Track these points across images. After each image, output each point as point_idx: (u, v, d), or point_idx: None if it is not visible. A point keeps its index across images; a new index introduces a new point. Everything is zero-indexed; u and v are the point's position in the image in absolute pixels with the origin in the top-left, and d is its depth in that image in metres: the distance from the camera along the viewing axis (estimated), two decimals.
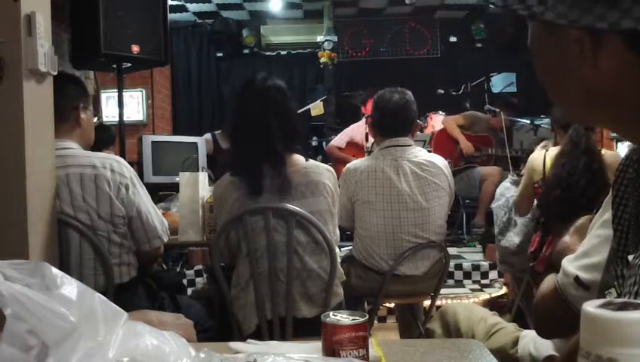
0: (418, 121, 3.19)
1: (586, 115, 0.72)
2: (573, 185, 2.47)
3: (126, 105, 4.98)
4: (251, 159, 2.00)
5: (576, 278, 1.07)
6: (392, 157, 2.64)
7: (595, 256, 1.04)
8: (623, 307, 0.44)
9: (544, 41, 0.68)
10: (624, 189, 0.78)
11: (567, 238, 1.30)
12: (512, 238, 3.58)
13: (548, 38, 0.67)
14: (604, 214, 1.02)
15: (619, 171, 0.80)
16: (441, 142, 5.27)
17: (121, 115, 3.65)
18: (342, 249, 2.80)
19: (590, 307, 0.45)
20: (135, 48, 3.28)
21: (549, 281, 1.19)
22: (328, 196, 2.06)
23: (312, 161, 2.10)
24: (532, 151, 3.92)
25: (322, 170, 2.09)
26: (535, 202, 3.10)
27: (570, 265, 1.10)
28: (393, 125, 2.71)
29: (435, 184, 2.62)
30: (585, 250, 1.08)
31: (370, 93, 4.91)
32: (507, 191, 3.71)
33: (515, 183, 3.70)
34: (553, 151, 2.87)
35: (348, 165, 2.77)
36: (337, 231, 2.22)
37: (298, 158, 2.06)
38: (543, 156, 2.95)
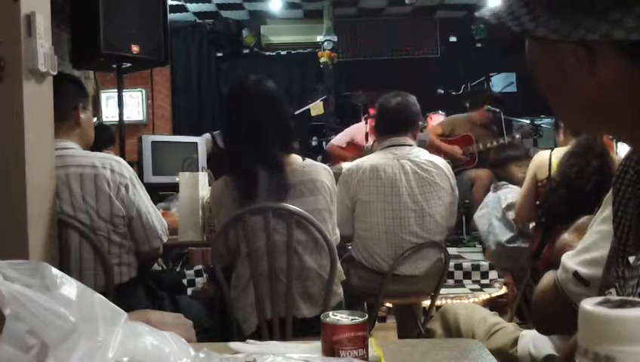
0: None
1: (584, 121, 0.72)
2: (581, 187, 2.46)
3: (126, 105, 4.98)
4: (246, 163, 2.00)
5: (576, 274, 1.07)
6: (393, 156, 2.64)
7: (594, 251, 1.05)
8: (621, 305, 0.45)
9: (541, 54, 0.69)
10: (625, 189, 0.78)
11: (566, 236, 1.31)
12: (490, 241, 3.62)
13: (544, 51, 0.68)
14: (605, 211, 1.02)
15: (619, 171, 0.80)
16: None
17: (121, 115, 3.65)
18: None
19: (588, 305, 0.45)
20: (135, 48, 3.28)
21: (548, 277, 1.19)
22: (326, 194, 2.06)
23: (309, 160, 2.11)
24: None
25: (320, 168, 2.10)
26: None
27: (569, 260, 1.10)
28: (393, 124, 2.72)
29: (436, 184, 2.62)
30: (585, 245, 1.08)
31: (373, 94, 4.92)
32: (491, 202, 3.73)
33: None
34: (559, 151, 2.86)
35: (349, 166, 2.77)
36: (337, 231, 2.22)
37: (295, 158, 2.06)
38: (549, 155, 2.94)
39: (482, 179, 4.96)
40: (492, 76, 6.28)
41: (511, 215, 3.51)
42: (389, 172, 2.60)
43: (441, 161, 2.72)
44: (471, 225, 5.22)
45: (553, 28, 0.59)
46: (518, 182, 3.78)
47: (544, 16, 0.60)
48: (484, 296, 4.10)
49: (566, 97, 0.69)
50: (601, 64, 0.62)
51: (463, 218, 5.46)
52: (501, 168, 4.11)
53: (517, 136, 5.15)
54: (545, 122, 5.34)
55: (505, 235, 3.53)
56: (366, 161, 2.71)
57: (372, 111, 5.48)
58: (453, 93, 6.33)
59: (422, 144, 3.65)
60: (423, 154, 2.70)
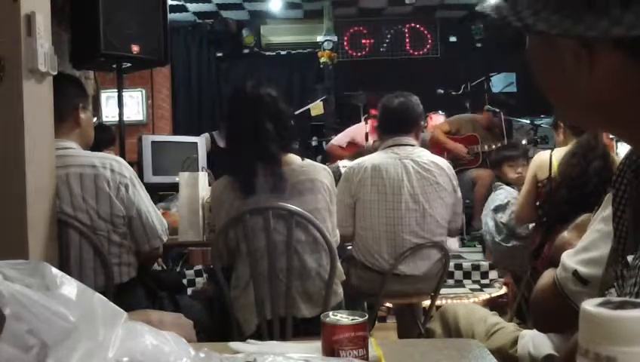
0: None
1: (584, 118, 0.73)
2: (582, 187, 2.46)
3: (126, 105, 4.98)
4: (246, 160, 2.02)
5: (575, 273, 1.07)
6: (396, 156, 2.65)
7: (594, 250, 1.05)
8: (622, 305, 0.45)
9: (541, 50, 0.69)
10: (624, 189, 0.78)
11: (566, 234, 1.31)
12: (488, 240, 3.65)
13: (544, 47, 0.68)
14: (605, 210, 1.02)
15: (619, 171, 0.80)
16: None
17: (121, 115, 3.65)
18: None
19: (589, 305, 0.45)
20: (135, 48, 3.28)
21: (547, 276, 1.19)
22: (326, 194, 2.07)
23: (308, 161, 2.12)
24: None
25: (319, 168, 2.11)
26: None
27: (569, 259, 1.10)
28: (396, 124, 2.74)
29: (438, 185, 2.62)
30: (584, 245, 1.08)
31: (373, 94, 4.91)
32: (492, 202, 3.75)
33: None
34: (559, 151, 2.86)
35: (351, 164, 2.78)
36: (337, 232, 2.22)
37: (294, 158, 2.07)
38: (549, 156, 2.94)
39: (484, 179, 4.97)
40: (492, 76, 6.28)
41: (499, 216, 3.55)
42: (391, 171, 2.60)
43: (443, 162, 2.72)
44: (472, 225, 5.23)
45: (553, 23, 0.60)
46: (513, 183, 3.80)
47: (545, 11, 0.61)
48: (484, 296, 4.10)
49: (566, 96, 0.69)
50: (600, 61, 0.62)
51: (464, 218, 5.46)
52: (497, 168, 4.14)
53: (523, 141, 5.16)
54: (545, 122, 5.34)
55: (499, 235, 3.57)
56: (368, 160, 2.71)
57: (372, 112, 5.50)
58: (453, 93, 6.34)
59: (422, 143, 3.67)
60: (425, 155, 2.70)
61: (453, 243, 2.90)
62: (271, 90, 2.09)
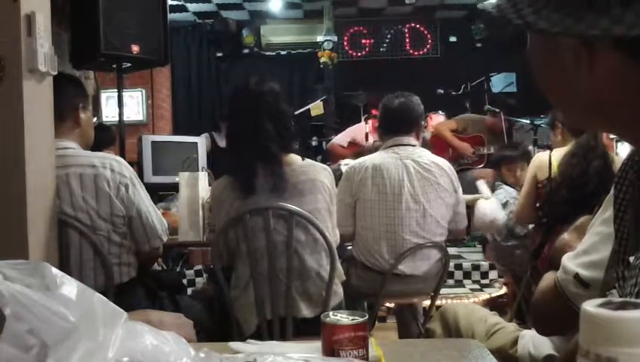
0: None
1: (584, 119, 0.73)
2: (583, 187, 2.46)
3: (126, 105, 4.98)
4: (246, 160, 2.01)
5: (576, 276, 1.07)
6: (396, 156, 2.65)
7: (594, 253, 1.05)
8: (622, 306, 0.45)
9: (541, 49, 0.69)
10: (625, 190, 0.78)
11: (566, 236, 1.31)
12: (489, 238, 3.66)
13: (544, 46, 0.68)
14: (605, 212, 1.02)
15: (620, 172, 0.80)
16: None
17: (121, 115, 3.65)
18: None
19: (589, 306, 0.45)
20: (135, 48, 3.28)
21: (548, 278, 1.19)
22: (326, 194, 2.07)
23: (308, 160, 2.12)
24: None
25: (319, 168, 2.10)
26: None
27: (570, 262, 1.10)
28: (396, 124, 2.74)
29: (439, 185, 2.62)
30: (585, 247, 1.08)
31: (373, 94, 4.91)
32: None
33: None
34: (558, 152, 2.86)
35: (352, 163, 2.78)
36: (337, 232, 2.22)
37: (295, 158, 2.07)
38: (549, 156, 2.94)
39: (485, 179, 4.96)
40: (492, 76, 6.28)
41: None
42: (392, 171, 2.60)
43: (444, 162, 2.72)
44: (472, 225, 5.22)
45: (554, 21, 0.60)
46: (512, 183, 3.81)
47: (546, 9, 0.61)
48: (484, 296, 4.10)
49: (566, 96, 0.69)
50: (600, 61, 0.62)
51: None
52: (496, 169, 4.15)
53: (529, 147, 5.16)
54: (545, 122, 5.34)
55: (499, 235, 3.58)
56: (368, 159, 2.71)
57: (373, 112, 5.50)
58: (453, 93, 6.33)
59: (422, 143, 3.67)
60: (426, 155, 2.71)
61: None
62: (274, 84, 2.08)
